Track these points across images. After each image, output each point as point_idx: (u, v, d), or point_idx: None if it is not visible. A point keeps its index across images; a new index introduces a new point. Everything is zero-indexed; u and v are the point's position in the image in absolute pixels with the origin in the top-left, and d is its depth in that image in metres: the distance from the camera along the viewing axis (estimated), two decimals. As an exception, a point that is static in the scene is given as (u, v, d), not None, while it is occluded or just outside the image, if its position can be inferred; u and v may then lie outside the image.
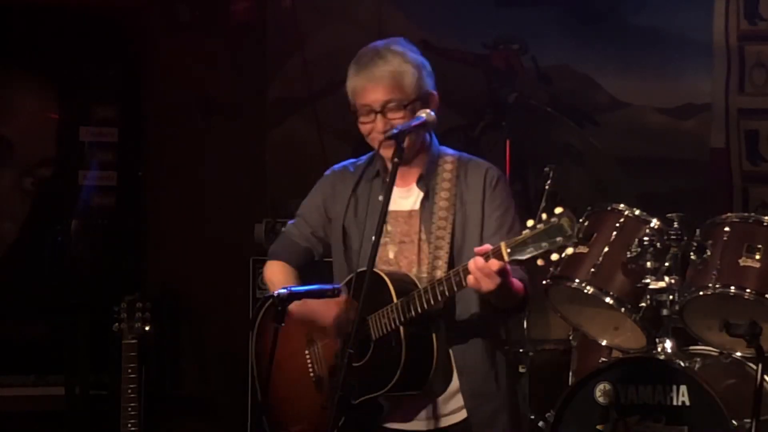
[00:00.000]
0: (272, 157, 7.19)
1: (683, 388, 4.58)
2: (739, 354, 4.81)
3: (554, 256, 3.36)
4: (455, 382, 3.82)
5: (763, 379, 4.50)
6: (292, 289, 3.76)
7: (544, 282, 4.82)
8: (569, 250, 3.35)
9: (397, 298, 3.69)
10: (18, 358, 6.78)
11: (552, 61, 6.77)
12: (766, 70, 6.40)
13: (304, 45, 7.09)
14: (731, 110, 6.43)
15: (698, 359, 4.83)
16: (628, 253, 4.81)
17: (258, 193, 7.02)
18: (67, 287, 6.75)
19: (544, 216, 3.37)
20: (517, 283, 3.69)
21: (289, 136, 7.18)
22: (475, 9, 6.75)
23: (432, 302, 3.63)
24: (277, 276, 4.06)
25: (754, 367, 4.61)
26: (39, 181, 6.97)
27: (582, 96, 6.66)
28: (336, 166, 4.04)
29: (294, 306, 3.81)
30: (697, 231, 4.81)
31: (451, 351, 3.80)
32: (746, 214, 4.84)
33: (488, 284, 3.50)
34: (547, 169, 4.95)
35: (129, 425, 4.90)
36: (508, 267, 3.50)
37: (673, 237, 4.79)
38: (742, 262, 4.64)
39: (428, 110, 3.74)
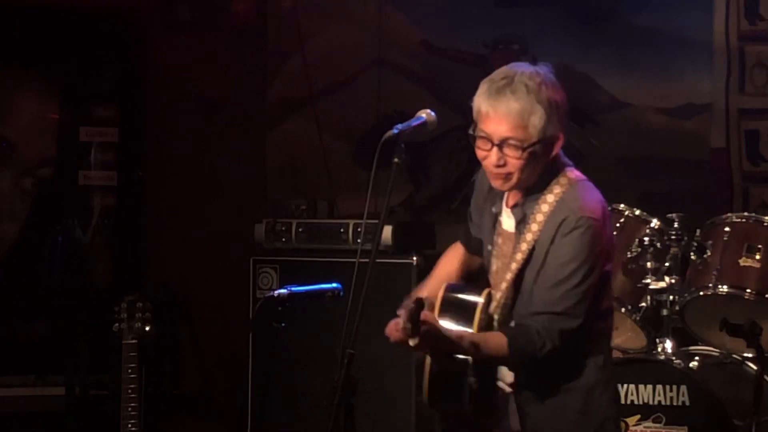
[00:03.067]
0: (272, 157, 7.18)
1: (683, 388, 4.58)
2: (739, 354, 4.81)
3: None
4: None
5: (763, 379, 4.50)
6: (293, 289, 3.75)
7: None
8: None
9: (478, 330, 3.53)
10: (18, 358, 6.76)
11: (552, 61, 6.72)
12: (766, 70, 6.40)
13: (304, 45, 7.08)
14: (731, 110, 6.42)
15: (698, 359, 4.83)
16: (628, 253, 4.81)
17: (258, 193, 7.01)
18: (67, 287, 6.74)
19: None
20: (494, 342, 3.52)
21: (289, 136, 7.17)
22: (475, 9, 6.73)
23: None
24: (444, 266, 3.90)
25: (754, 367, 4.62)
26: (39, 181, 6.95)
27: (582, 96, 6.64)
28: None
29: None
30: (697, 231, 4.82)
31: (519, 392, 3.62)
32: (746, 214, 4.85)
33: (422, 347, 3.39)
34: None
35: (129, 425, 4.89)
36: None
37: (673, 237, 4.79)
38: (742, 262, 4.65)
39: (428, 110, 3.68)
